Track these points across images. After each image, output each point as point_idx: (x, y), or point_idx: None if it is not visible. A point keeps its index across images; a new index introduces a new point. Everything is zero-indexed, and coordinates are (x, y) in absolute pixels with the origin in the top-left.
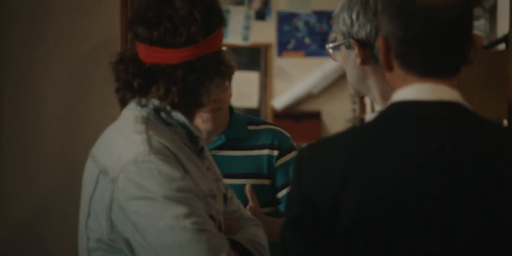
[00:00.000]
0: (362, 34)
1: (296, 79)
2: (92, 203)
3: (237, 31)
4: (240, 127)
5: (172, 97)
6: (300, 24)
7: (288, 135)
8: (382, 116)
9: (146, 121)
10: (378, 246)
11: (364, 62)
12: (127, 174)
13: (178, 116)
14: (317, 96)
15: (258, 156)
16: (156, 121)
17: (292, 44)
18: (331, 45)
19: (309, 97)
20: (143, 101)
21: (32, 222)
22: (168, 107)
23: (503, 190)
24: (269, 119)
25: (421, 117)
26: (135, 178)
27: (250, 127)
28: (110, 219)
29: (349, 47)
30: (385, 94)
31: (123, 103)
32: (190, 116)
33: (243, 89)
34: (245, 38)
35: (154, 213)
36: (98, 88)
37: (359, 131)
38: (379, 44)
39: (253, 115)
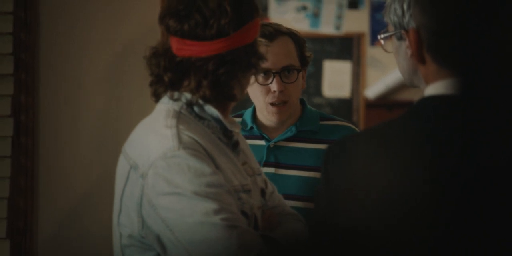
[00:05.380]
0: (413, 25)
1: (389, 69)
2: (123, 199)
3: (330, 20)
4: (312, 120)
5: (204, 90)
6: None
7: None
8: (412, 111)
9: (178, 115)
10: None
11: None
12: (156, 170)
13: (211, 110)
14: None
15: None
16: (188, 115)
17: None
18: (382, 35)
19: (402, 86)
20: (176, 95)
21: (70, 220)
22: (200, 101)
23: None
24: (362, 108)
25: (450, 113)
26: (164, 174)
27: (322, 122)
28: (141, 215)
29: (400, 38)
30: None
31: (157, 97)
32: (224, 110)
33: (335, 79)
34: (338, 27)
35: (184, 209)
36: (136, 81)
37: (386, 127)
38: (410, 36)
39: (345, 104)
